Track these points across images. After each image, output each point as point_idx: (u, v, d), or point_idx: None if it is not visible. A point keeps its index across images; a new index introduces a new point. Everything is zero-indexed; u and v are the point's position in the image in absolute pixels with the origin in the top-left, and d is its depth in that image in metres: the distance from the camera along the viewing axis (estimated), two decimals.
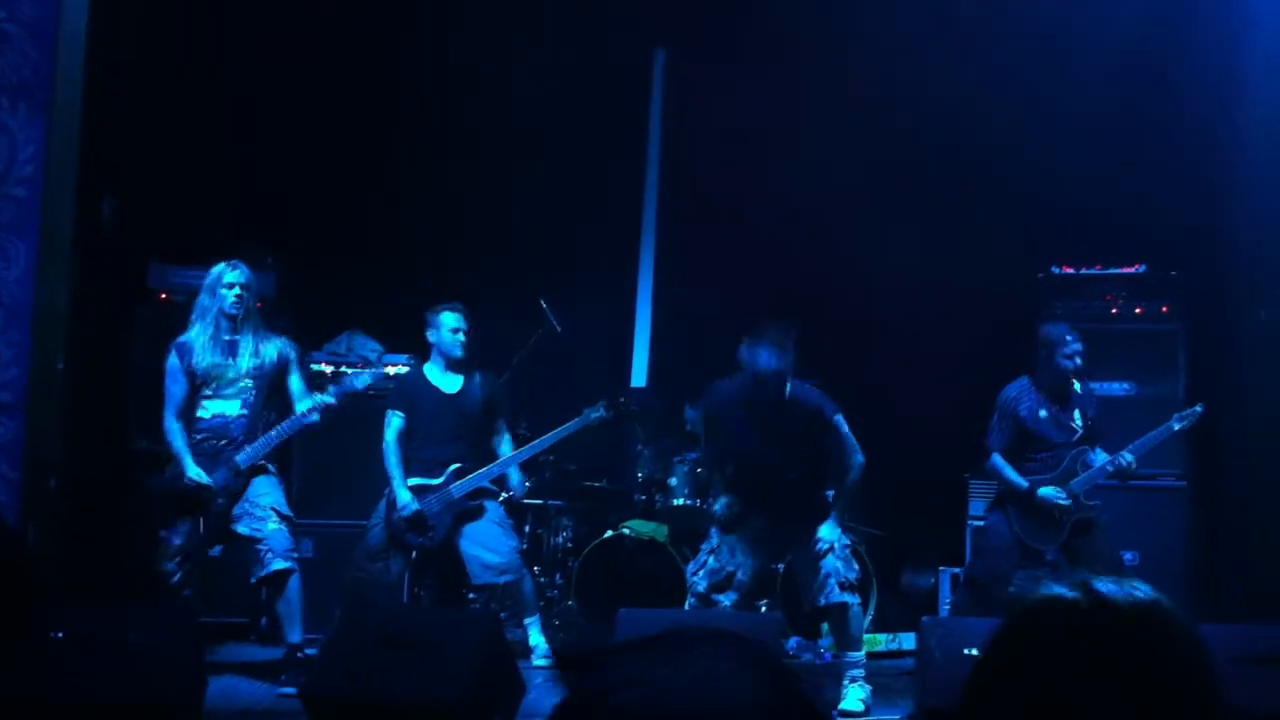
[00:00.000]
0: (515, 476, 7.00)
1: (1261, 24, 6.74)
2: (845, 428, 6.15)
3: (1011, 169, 8.16)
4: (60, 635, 4.83)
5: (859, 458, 6.15)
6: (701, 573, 6.16)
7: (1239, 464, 7.03)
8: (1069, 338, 6.62)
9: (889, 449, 8.17)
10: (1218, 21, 7.11)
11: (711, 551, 6.18)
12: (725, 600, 6.09)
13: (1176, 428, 6.59)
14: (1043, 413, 6.67)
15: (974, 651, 4.69)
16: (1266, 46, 6.71)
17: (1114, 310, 7.63)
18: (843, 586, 5.99)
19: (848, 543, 6.18)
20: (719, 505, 6.23)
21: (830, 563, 5.98)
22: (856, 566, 6.23)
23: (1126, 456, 6.53)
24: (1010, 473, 6.67)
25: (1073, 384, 6.69)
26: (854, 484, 6.23)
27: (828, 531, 6.05)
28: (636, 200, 9.16)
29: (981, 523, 7.44)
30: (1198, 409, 6.59)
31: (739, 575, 6.11)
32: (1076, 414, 6.68)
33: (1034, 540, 6.61)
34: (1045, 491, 6.56)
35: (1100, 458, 6.61)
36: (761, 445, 6.09)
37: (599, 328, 8.81)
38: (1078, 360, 6.62)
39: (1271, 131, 6.71)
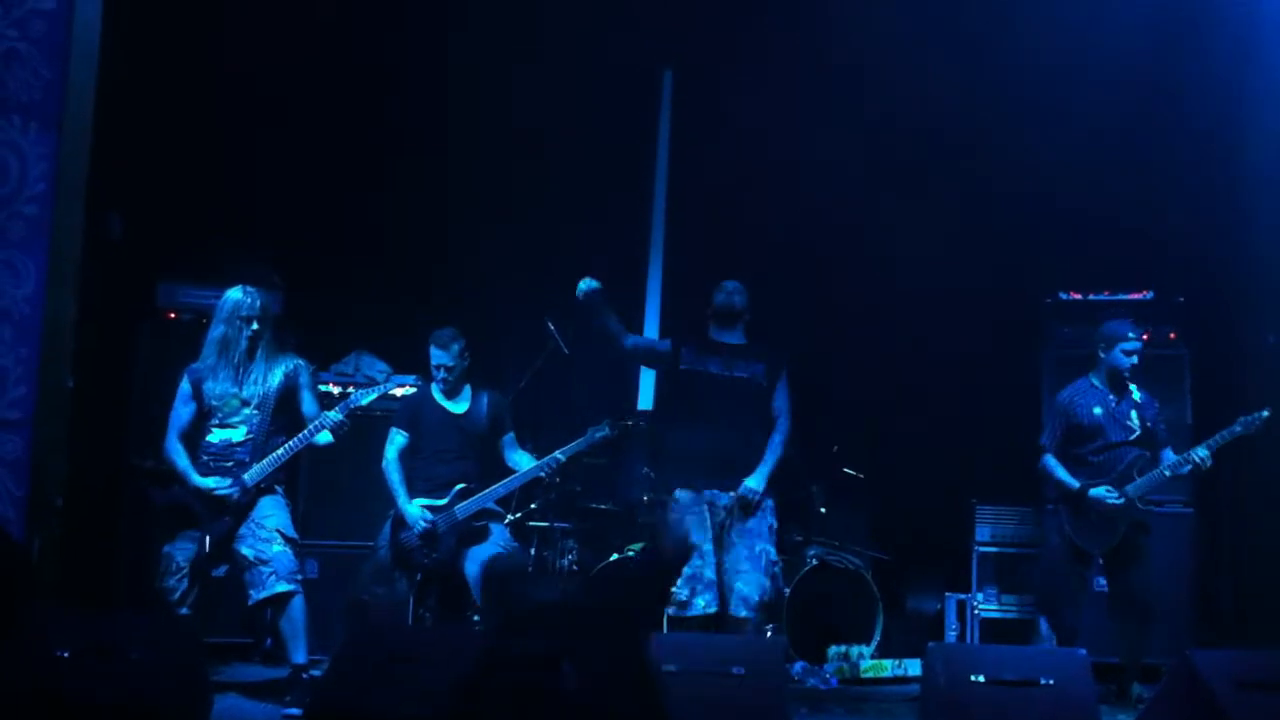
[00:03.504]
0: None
1: (1269, 48, 6.75)
2: None
3: (1019, 196, 8.18)
4: (64, 648, 4.83)
5: None
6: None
7: (1245, 490, 7.04)
8: (1130, 334, 6.64)
9: (895, 474, 8.20)
10: (1226, 47, 7.12)
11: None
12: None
13: (1239, 430, 6.41)
14: (1098, 409, 6.66)
15: (980, 678, 4.72)
16: (1274, 72, 6.72)
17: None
18: None
19: None
20: None
21: None
22: None
23: (1200, 452, 6.41)
24: (1062, 472, 6.65)
25: (1130, 385, 6.67)
26: None
27: None
28: (644, 220, 9.18)
29: (991, 549, 7.48)
30: (1264, 414, 6.39)
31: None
32: (1134, 414, 6.64)
33: (1083, 541, 6.57)
34: (1096, 491, 6.51)
35: (1166, 461, 6.54)
36: None
37: (605, 348, 8.81)
38: (1135, 358, 6.62)
39: (1278, 157, 6.71)
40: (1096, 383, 6.74)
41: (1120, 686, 6.46)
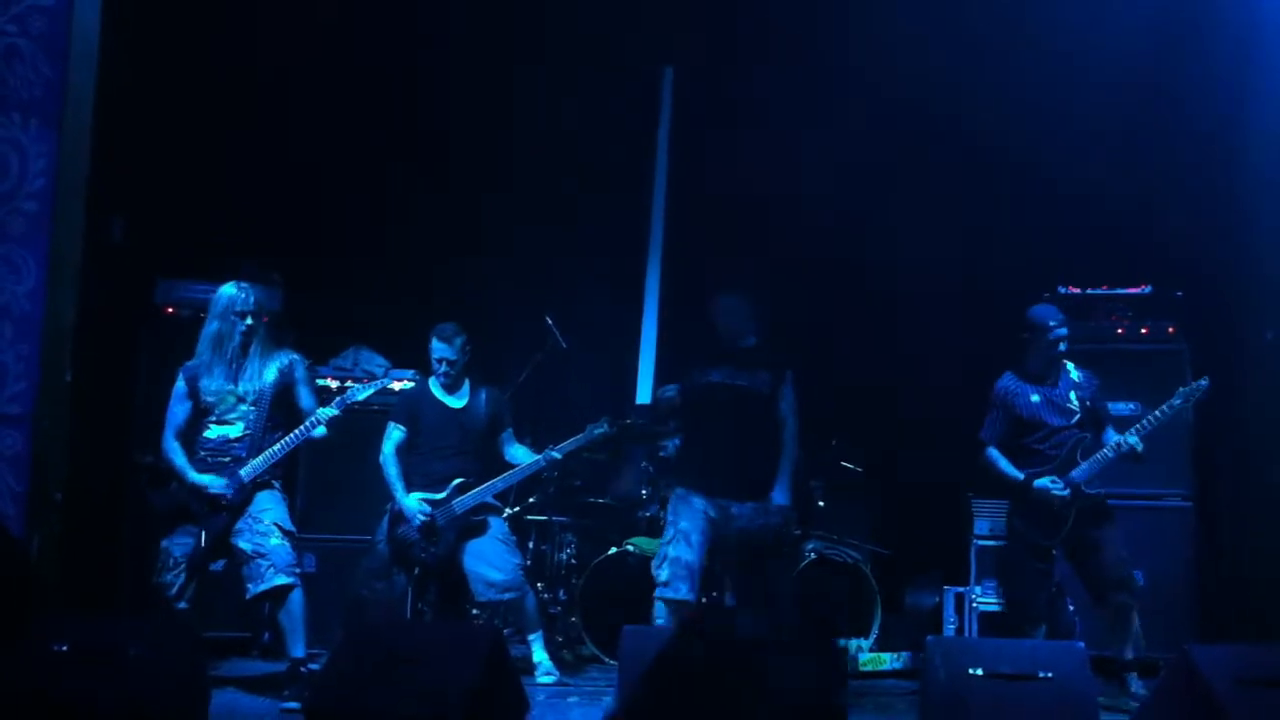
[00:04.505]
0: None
1: (1270, 44, 6.74)
2: None
3: (1018, 192, 8.19)
4: (62, 646, 4.84)
5: None
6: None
7: (1244, 484, 7.03)
8: (1052, 321, 6.57)
9: (894, 468, 8.21)
10: (1226, 43, 7.11)
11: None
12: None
13: (1179, 404, 6.34)
14: (1034, 396, 6.58)
15: (979, 671, 4.73)
16: (1275, 68, 6.72)
17: (1120, 330, 7.63)
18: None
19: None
20: None
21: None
22: None
23: (1131, 439, 6.33)
24: (1004, 464, 6.59)
25: (1065, 366, 6.61)
26: None
27: None
28: (643, 217, 9.18)
29: (990, 542, 7.47)
30: (1203, 383, 6.36)
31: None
32: (1072, 395, 6.56)
33: (1037, 535, 6.48)
34: (1041, 483, 6.43)
35: (1109, 441, 6.44)
36: None
37: (604, 344, 8.83)
38: (1063, 344, 6.54)
39: (1278, 153, 6.71)
40: (1028, 369, 6.65)
41: (1119, 678, 6.37)
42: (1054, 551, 6.53)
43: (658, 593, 6.41)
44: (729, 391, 6.62)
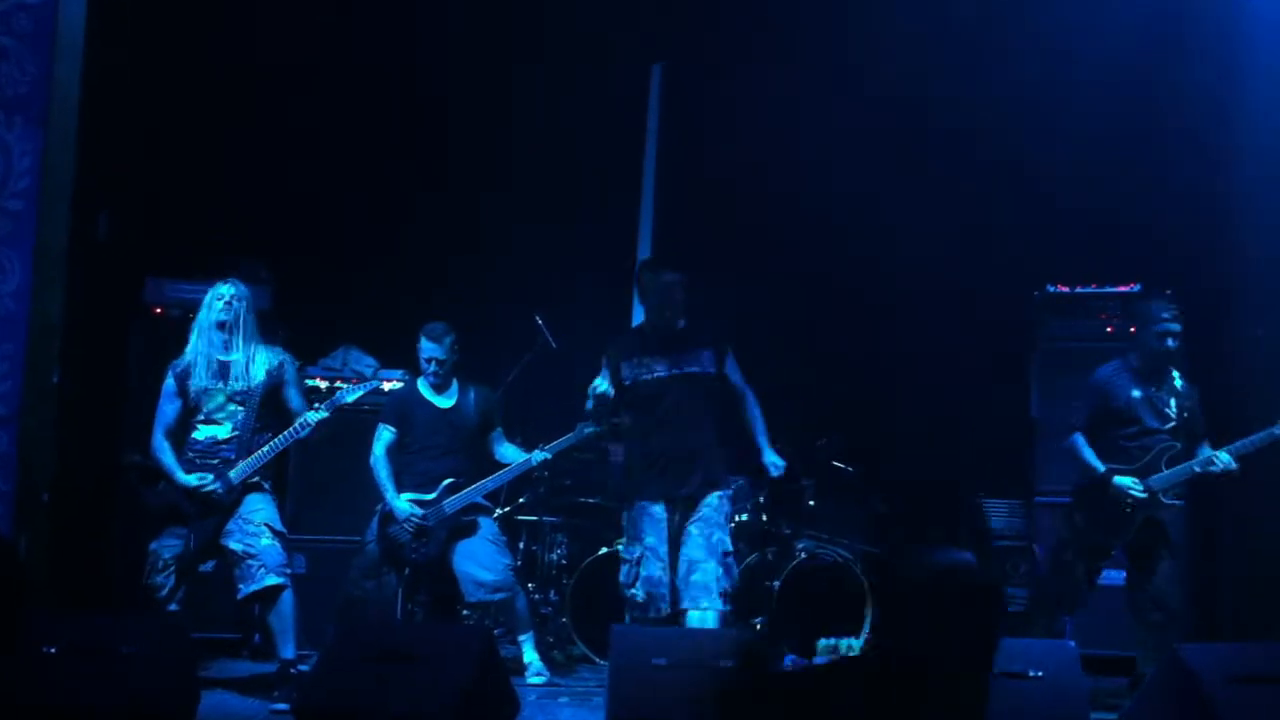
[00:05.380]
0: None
1: (1260, 43, 6.76)
2: None
3: (1008, 190, 8.18)
4: (52, 646, 4.82)
5: None
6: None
7: (1235, 483, 7.02)
8: (1165, 315, 6.32)
9: (886, 468, 8.21)
10: (1216, 40, 7.13)
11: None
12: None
13: (1279, 434, 6.10)
14: (1135, 391, 6.36)
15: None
16: (1265, 65, 6.73)
17: (1109, 329, 7.63)
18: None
19: None
20: None
21: None
22: None
23: (1224, 457, 6.14)
24: (1089, 454, 6.37)
25: (1172, 372, 6.36)
26: None
27: None
28: (632, 215, 9.16)
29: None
30: None
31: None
32: (1173, 402, 6.33)
33: (1099, 534, 6.33)
34: (1122, 481, 6.23)
35: (1201, 456, 6.23)
36: None
37: (594, 343, 8.80)
38: (1169, 341, 6.28)
39: (1268, 151, 6.73)
40: (1132, 363, 6.45)
41: (1134, 682, 6.17)
42: (1113, 553, 6.39)
43: (636, 614, 6.22)
44: (679, 382, 6.32)
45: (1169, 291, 6.54)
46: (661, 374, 6.35)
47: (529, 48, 8.47)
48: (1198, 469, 6.21)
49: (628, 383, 6.40)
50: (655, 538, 6.24)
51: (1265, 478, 6.55)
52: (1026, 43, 7.66)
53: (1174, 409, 6.33)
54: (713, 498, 6.28)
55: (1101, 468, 6.32)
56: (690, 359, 6.36)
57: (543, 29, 8.42)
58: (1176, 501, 6.32)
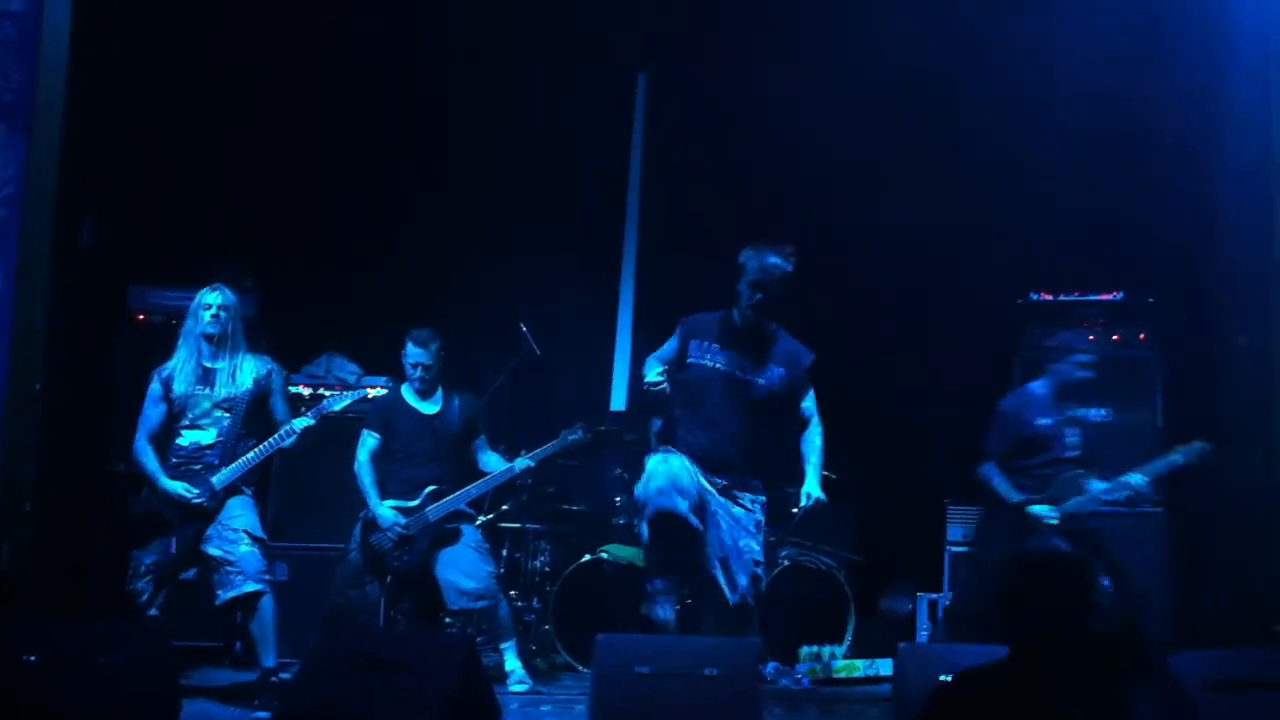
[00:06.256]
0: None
1: (1241, 51, 6.79)
2: None
3: (991, 197, 8.20)
4: (34, 654, 4.81)
5: None
6: None
7: (1216, 490, 7.05)
8: (1082, 347, 6.55)
9: (867, 475, 8.22)
10: (1197, 49, 7.16)
11: None
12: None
13: (1181, 461, 6.32)
14: (1046, 420, 6.51)
15: (950, 679, 4.72)
16: (1245, 72, 6.76)
17: (1091, 337, 7.65)
18: None
19: None
20: None
21: None
22: None
23: (1137, 478, 6.31)
24: (1000, 483, 6.51)
25: (1077, 398, 6.55)
26: None
27: None
28: (617, 223, 9.18)
29: (963, 549, 7.41)
30: (1203, 445, 6.32)
31: None
32: (1080, 432, 6.53)
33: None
34: (1036, 510, 6.37)
35: (1098, 484, 6.40)
36: None
37: (579, 351, 8.81)
38: (1089, 371, 6.47)
39: (1249, 159, 6.75)
40: (1044, 392, 6.60)
41: None
42: None
43: (656, 503, 5.73)
44: (729, 383, 5.97)
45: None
46: (721, 366, 5.98)
47: (516, 54, 8.48)
48: (1107, 496, 6.38)
49: (690, 361, 6.02)
50: (688, 476, 5.81)
51: (1245, 478, 6.60)
52: (1010, 51, 7.68)
53: (1079, 438, 6.52)
54: (744, 498, 6.03)
55: (1015, 498, 6.47)
56: (756, 368, 6.01)
57: (531, 36, 8.44)
58: (1102, 509, 6.45)
